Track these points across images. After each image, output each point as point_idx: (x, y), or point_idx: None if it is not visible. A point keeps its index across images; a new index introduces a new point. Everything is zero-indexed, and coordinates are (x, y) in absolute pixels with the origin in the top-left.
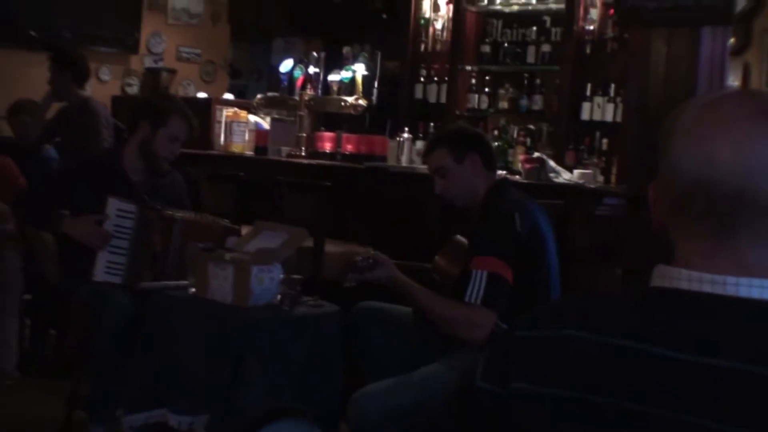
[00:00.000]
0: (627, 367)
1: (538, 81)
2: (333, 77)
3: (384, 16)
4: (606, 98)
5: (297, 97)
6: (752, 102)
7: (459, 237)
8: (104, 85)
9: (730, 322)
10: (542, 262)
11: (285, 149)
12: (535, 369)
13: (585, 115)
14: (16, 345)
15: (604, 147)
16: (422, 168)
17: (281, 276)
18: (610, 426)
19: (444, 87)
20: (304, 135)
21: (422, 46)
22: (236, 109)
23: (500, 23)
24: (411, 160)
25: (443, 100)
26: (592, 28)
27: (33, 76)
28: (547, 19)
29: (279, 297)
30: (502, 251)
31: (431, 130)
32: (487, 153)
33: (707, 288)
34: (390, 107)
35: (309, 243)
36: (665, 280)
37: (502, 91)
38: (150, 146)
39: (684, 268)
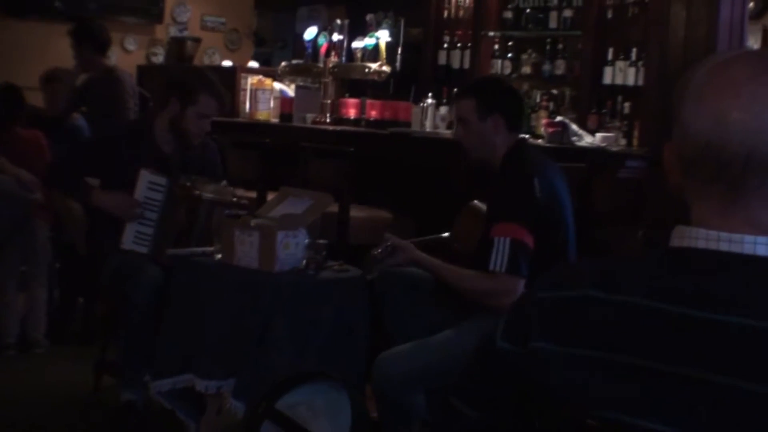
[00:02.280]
0: (648, 326)
1: (560, 46)
2: (357, 44)
3: None
4: (627, 62)
5: (321, 65)
6: (760, 62)
7: (476, 202)
8: (130, 54)
9: (749, 280)
10: (560, 225)
11: (310, 116)
12: (555, 329)
13: (607, 80)
14: (44, 313)
15: (626, 111)
16: (446, 133)
17: (306, 241)
18: (631, 385)
19: (467, 53)
20: (329, 102)
21: (445, 13)
22: (261, 76)
23: None
24: (435, 126)
25: (466, 66)
26: None
27: (60, 48)
28: None
29: (304, 262)
30: (522, 217)
31: (454, 95)
32: (513, 114)
33: (725, 246)
34: (413, 73)
35: (334, 208)
36: (684, 240)
37: (524, 57)
38: (180, 123)
39: (701, 228)
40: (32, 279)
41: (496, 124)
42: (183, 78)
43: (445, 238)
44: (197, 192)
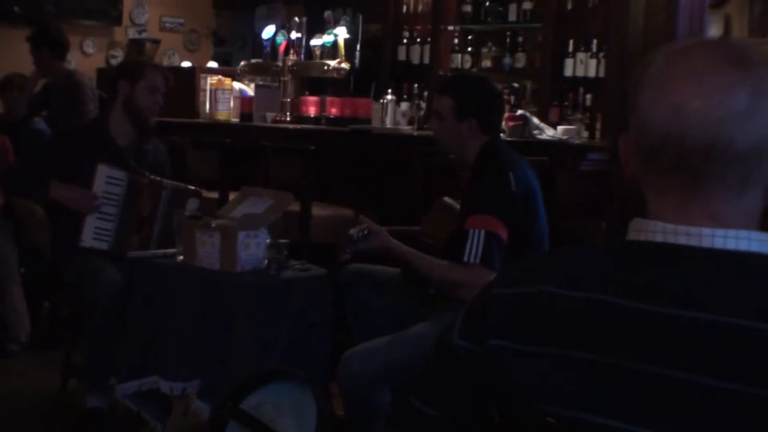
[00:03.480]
0: (605, 322)
1: (520, 39)
2: (315, 42)
3: None
4: (588, 54)
5: (280, 63)
6: (719, 50)
7: (447, 198)
8: (89, 57)
9: (707, 274)
10: (534, 219)
11: (270, 115)
12: (512, 326)
13: (568, 72)
14: (25, 311)
15: (588, 102)
16: (406, 129)
17: (268, 241)
18: (589, 381)
19: (427, 48)
20: (289, 100)
21: (404, 8)
22: (220, 76)
23: None
24: (396, 122)
25: (426, 60)
26: None
27: (19, 52)
28: None
29: (266, 262)
30: (497, 210)
31: (415, 91)
32: (488, 120)
33: (683, 240)
34: (373, 70)
35: (296, 207)
36: (641, 233)
37: (484, 50)
38: (133, 103)
39: (659, 221)
40: (5, 281)
41: (471, 127)
42: (126, 62)
43: (416, 231)
44: (158, 178)
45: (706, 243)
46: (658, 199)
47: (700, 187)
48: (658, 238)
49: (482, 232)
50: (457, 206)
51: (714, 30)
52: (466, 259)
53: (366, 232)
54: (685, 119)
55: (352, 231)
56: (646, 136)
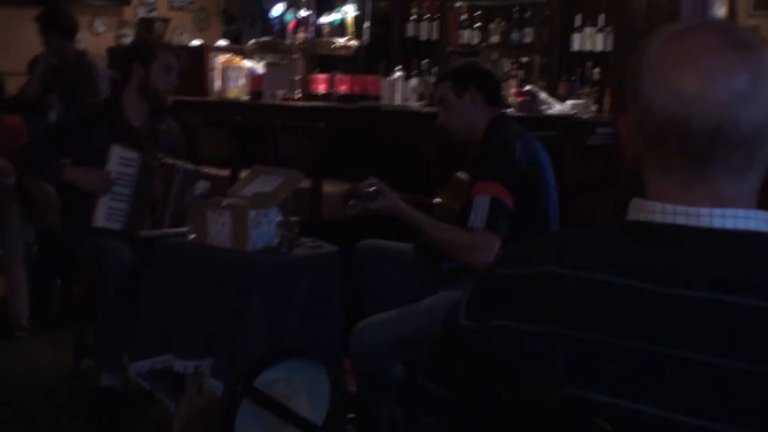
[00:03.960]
0: (605, 301)
1: (528, 14)
2: (324, 19)
3: None
4: (596, 28)
5: (289, 41)
6: (718, 33)
7: (460, 174)
8: (98, 37)
9: (704, 253)
10: (541, 192)
11: (280, 93)
12: (515, 306)
13: (576, 46)
14: (26, 296)
15: (596, 77)
16: (415, 106)
17: (279, 219)
18: (592, 360)
19: (435, 24)
20: (298, 78)
21: None
22: (230, 55)
23: None
24: (405, 98)
25: (435, 37)
26: None
27: (30, 33)
28: None
29: (277, 240)
30: (502, 177)
31: (424, 67)
32: (489, 89)
33: (681, 220)
34: (382, 47)
35: (306, 184)
36: (641, 213)
37: (492, 26)
38: (148, 85)
39: (658, 201)
40: (11, 261)
41: (473, 97)
42: (137, 43)
43: (430, 201)
44: (171, 161)
45: (704, 222)
46: (662, 180)
47: (704, 169)
48: (658, 218)
49: (487, 198)
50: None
51: (719, 4)
52: (471, 224)
53: (373, 188)
54: (689, 104)
55: (359, 184)
56: (650, 121)
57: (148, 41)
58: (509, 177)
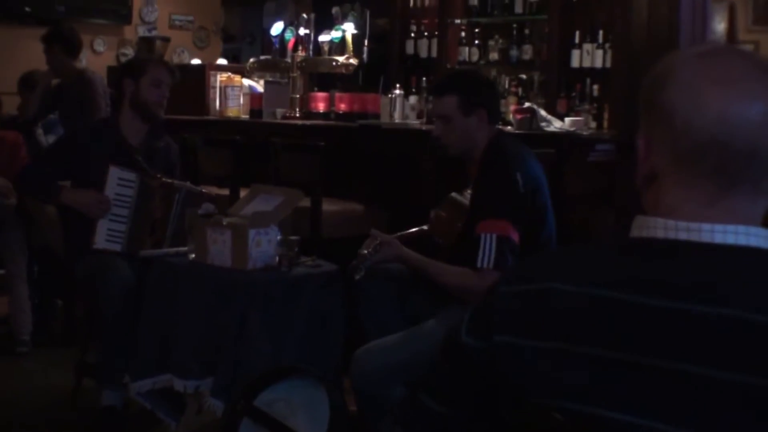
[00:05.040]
0: (608, 316)
1: (527, 31)
2: (323, 37)
3: None
4: (595, 45)
5: (289, 59)
6: (750, 59)
7: (455, 194)
8: (99, 56)
9: (705, 268)
10: (543, 218)
11: (279, 111)
12: (517, 322)
13: (575, 63)
14: (30, 311)
15: (595, 93)
16: (415, 123)
17: (279, 238)
18: (595, 376)
19: (434, 41)
20: (298, 96)
21: (411, 2)
22: (230, 73)
23: None
24: (404, 116)
25: (434, 54)
26: None
27: (30, 51)
28: None
29: (277, 259)
30: (507, 212)
31: (423, 84)
32: (495, 108)
33: (683, 236)
34: (381, 64)
35: (306, 203)
36: (643, 230)
37: (492, 43)
38: (139, 97)
39: (661, 217)
40: (14, 278)
41: (480, 118)
42: (129, 60)
43: (425, 230)
44: (170, 181)
45: (705, 238)
46: (682, 195)
47: (731, 188)
48: (660, 234)
49: (494, 236)
50: (465, 202)
51: (718, 19)
52: (479, 264)
53: (378, 246)
54: (729, 125)
55: (365, 250)
56: (686, 139)
57: (140, 57)
58: (514, 211)
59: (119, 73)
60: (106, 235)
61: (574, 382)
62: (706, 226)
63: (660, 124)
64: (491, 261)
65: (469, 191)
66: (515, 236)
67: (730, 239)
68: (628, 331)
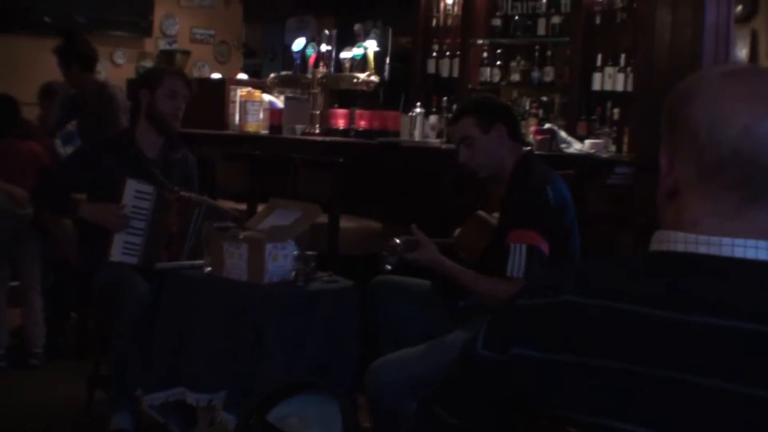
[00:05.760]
0: (627, 330)
1: (549, 53)
2: (345, 54)
3: None
4: (616, 68)
5: (310, 75)
6: None
7: (481, 212)
8: (119, 68)
9: (725, 282)
10: (571, 233)
11: (299, 127)
12: (535, 335)
13: (596, 86)
14: (43, 323)
15: (616, 117)
16: (434, 142)
17: (295, 253)
18: (613, 389)
19: (456, 61)
20: (318, 112)
21: (434, 21)
22: (250, 88)
23: None
24: (424, 135)
25: (455, 74)
26: None
27: (50, 63)
28: None
29: (294, 273)
30: (537, 223)
31: (444, 104)
32: (513, 124)
33: (703, 249)
34: (403, 83)
35: (324, 219)
36: (663, 244)
37: (513, 64)
38: (154, 108)
39: (682, 232)
40: (28, 290)
41: (500, 134)
42: (146, 71)
43: (450, 243)
44: (188, 195)
45: (725, 252)
46: (704, 208)
47: (755, 202)
48: (680, 248)
49: (524, 246)
50: (492, 220)
51: (740, 45)
52: (509, 273)
53: (413, 243)
54: (754, 139)
55: (397, 240)
56: (709, 151)
57: (158, 68)
58: (544, 224)
59: (136, 84)
60: (122, 248)
61: (590, 394)
62: (726, 241)
63: (684, 139)
64: (521, 270)
65: (496, 214)
66: (545, 247)
67: (751, 254)
68: (645, 344)
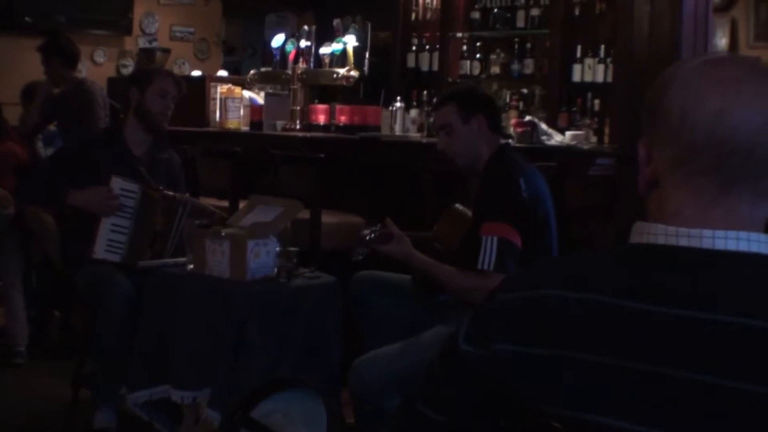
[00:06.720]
0: (607, 322)
1: (528, 45)
2: (324, 50)
3: None
4: (596, 59)
5: (290, 71)
6: (752, 64)
7: (458, 205)
8: (100, 67)
9: (705, 274)
10: (545, 226)
11: (280, 123)
12: (517, 329)
13: (576, 77)
14: (26, 321)
15: (596, 108)
16: (415, 136)
17: (277, 249)
18: (593, 381)
19: (436, 55)
20: (298, 108)
21: (413, 15)
22: (230, 85)
23: None
24: (405, 129)
25: (435, 67)
26: None
27: (31, 62)
28: None
29: (276, 270)
30: (509, 216)
31: (424, 98)
32: (494, 116)
33: (684, 242)
34: (382, 77)
35: (305, 215)
36: (643, 236)
37: (493, 57)
38: (143, 107)
39: (662, 224)
40: (9, 288)
41: (480, 124)
42: (136, 70)
43: (428, 236)
44: (172, 194)
45: (707, 244)
46: (683, 197)
47: (732, 189)
48: (660, 240)
49: (495, 239)
50: (469, 213)
51: (720, 34)
52: (480, 266)
53: (378, 233)
54: (728, 123)
55: (365, 231)
56: (683, 136)
57: (149, 68)
58: (516, 216)
59: (126, 82)
60: (105, 245)
61: (573, 389)
62: (707, 233)
63: (659, 126)
64: (492, 263)
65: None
66: (517, 240)
67: (731, 245)
68: (627, 338)
